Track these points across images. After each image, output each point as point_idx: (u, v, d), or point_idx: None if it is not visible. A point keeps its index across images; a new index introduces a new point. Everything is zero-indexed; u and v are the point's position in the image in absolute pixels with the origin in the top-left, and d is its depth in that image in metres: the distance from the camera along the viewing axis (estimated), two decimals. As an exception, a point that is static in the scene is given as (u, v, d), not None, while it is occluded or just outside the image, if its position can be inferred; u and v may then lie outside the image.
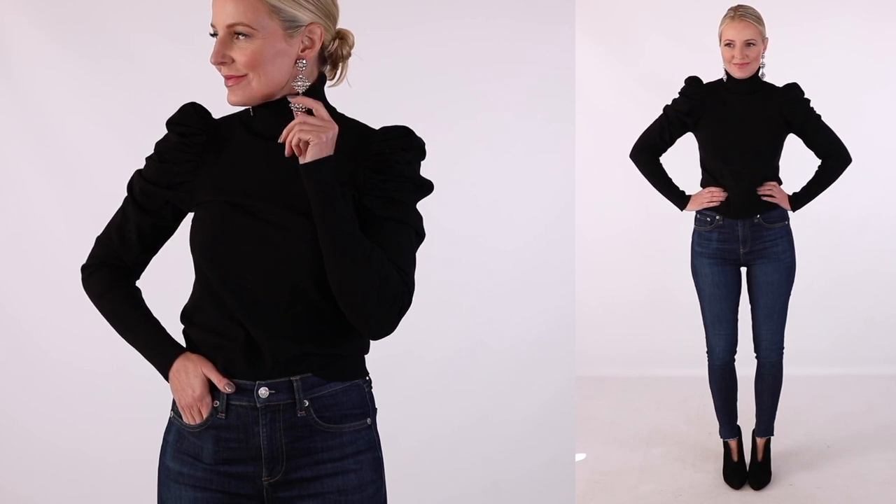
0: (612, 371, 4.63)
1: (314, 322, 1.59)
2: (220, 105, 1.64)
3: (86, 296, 1.75)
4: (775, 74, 3.12)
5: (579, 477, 3.41)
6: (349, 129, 1.63)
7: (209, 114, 1.66)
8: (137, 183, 1.68)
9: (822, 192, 3.22)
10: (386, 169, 1.60)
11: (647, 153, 3.27)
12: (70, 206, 3.34)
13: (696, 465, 3.49)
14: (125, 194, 1.71)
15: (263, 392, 1.59)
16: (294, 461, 1.61)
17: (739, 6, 3.04)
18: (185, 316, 1.67)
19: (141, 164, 1.70)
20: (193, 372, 1.60)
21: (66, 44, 3.29)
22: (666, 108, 3.23)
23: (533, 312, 3.53)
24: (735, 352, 3.26)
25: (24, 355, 3.39)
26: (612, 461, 3.59)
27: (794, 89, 3.10)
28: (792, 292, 3.21)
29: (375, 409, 1.70)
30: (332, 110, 1.65)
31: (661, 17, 4.59)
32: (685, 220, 3.38)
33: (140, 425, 3.27)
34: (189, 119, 1.64)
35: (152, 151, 1.67)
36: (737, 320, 3.25)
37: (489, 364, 3.54)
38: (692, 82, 3.18)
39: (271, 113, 1.61)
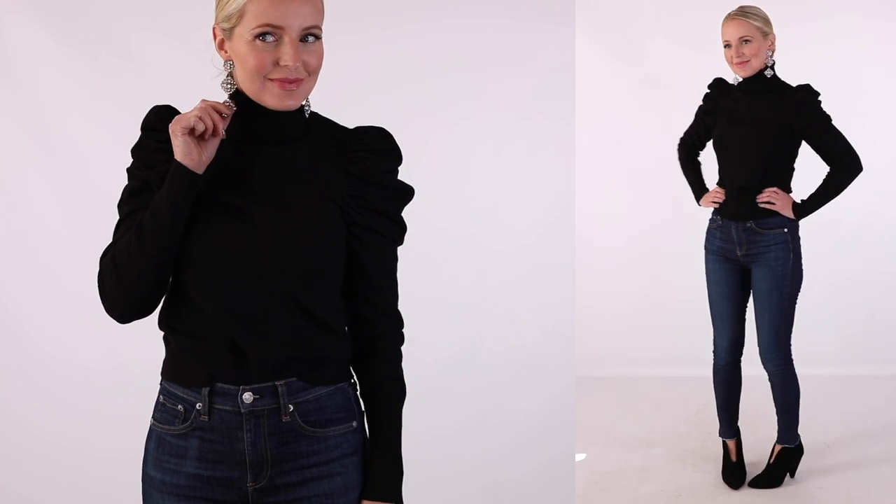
0: (612, 371, 4.63)
1: (300, 325, 1.55)
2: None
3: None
4: (778, 73, 3.11)
5: (579, 477, 3.41)
6: (324, 129, 1.62)
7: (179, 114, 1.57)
8: (131, 202, 1.57)
9: (828, 201, 3.15)
10: (367, 176, 1.59)
11: (684, 149, 3.36)
12: (69, 205, 3.34)
13: (696, 465, 3.49)
14: (116, 219, 1.60)
15: (247, 397, 1.54)
16: (279, 466, 1.57)
17: (739, 7, 3.05)
18: (164, 321, 1.60)
19: None
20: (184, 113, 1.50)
21: (66, 43, 3.29)
22: (698, 107, 3.32)
23: (533, 313, 3.53)
24: (739, 353, 3.26)
25: (24, 353, 3.39)
26: (612, 461, 3.58)
27: (799, 91, 3.07)
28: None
29: (362, 411, 1.65)
30: (309, 113, 1.62)
31: (662, 17, 4.59)
32: (685, 220, 3.38)
33: (140, 424, 3.27)
34: (164, 124, 1.54)
35: (131, 165, 1.59)
36: (742, 321, 3.24)
37: (489, 364, 3.54)
38: (713, 82, 3.22)
39: (280, 118, 1.57)
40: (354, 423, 1.63)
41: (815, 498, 3.21)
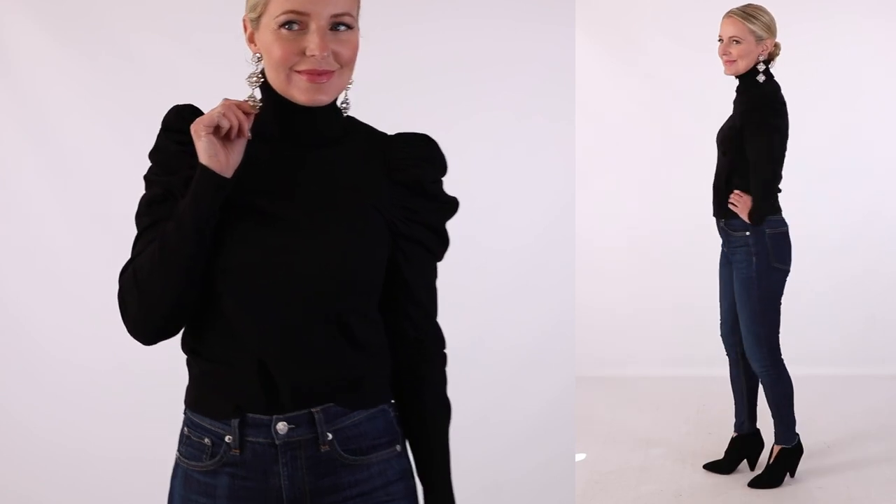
0: (612, 371, 4.63)
1: (337, 344, 1.42)
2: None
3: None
4: (777, 73, 3.11)
5: (579, 477, 3.41)
6: (364, 135, 1.51)
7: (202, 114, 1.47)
8: (150, 212, 1.43)
9: (764, 208, 3.04)
10: (414, 185, 1.48)
11: None
12: (69, 205, 3.34)
13: (696, 465, 3.49)
14: (134, 231, 1.46)
15: (282, 427, 1.41)
16: (318, 500, 1.43)
17: (744, 5, 3.07)
18: (186, 344, 1.47)
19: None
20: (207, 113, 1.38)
21: (66, 43, 3.29)
22: None
23: (533, 313, 3.52)
24: (735, 345, 3.30)
25: (23, 353, 3.39)
26: (612, 461, 3.58)
27: (749, 90, 3.06)
28: (783, 298, 3.16)
29: (403, 434, 1.54)
30: (347, 118, 1.52)
31: (662, 17, 4.59)
32: (685, 220, 3.38)
33: (140, 424, 3.27)
34: (186, 124, 1.40)
35: (149, 172, 1.46)
36: (736, 317, 3.26)
37: (489, 364, 3.53)
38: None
39: (314, 117, 1.44)
40: (398, 448, 1.51)
41: (815, 498, 3.21)
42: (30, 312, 3.38)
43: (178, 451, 1.49)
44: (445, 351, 1.56)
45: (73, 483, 3.34)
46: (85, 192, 3.31)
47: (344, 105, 1.49)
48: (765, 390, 3.25)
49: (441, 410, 1.55)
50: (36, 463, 3.36)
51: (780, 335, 3.19)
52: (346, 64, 1.41)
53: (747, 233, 3.09)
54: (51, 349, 3.39)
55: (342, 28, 1.40)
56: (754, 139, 3.01)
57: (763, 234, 3.08)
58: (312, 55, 1.37)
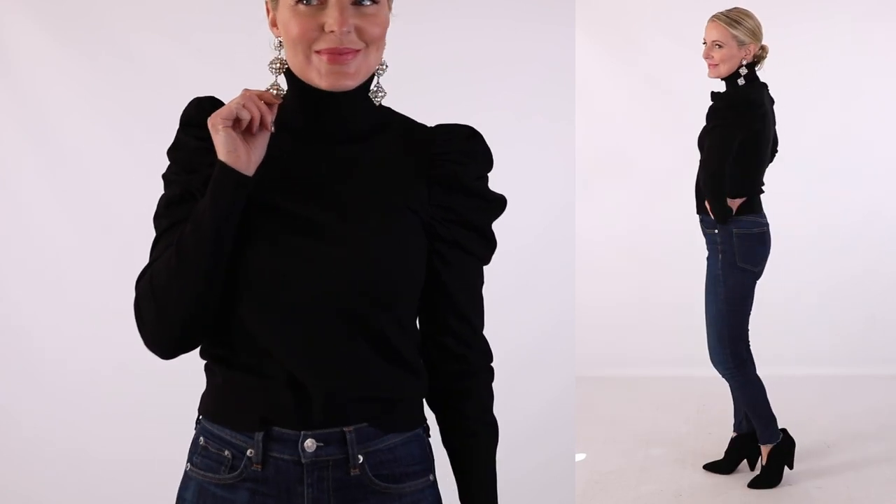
0: (612, 371, 4.63)
1: (372, 359, 1.31)
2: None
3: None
4: (772, 74, 3.12)
5: (579, 477, 3.41)
6: (400, 126, 1.41)
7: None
8: (170, 214, 1.33)
9: (713, 211, 3.06)
10: (454, 183, 1.37)
11: None
12: (69, 205, 3.34)
13: (696, 465, 3.49)
14: (151, 234, 1.37)
15: (310, 445, 1.31)
16: None
17: (729, 9, 3.08)
18: (206, 350, 1.36)
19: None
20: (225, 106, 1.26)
21: (66, 43, 3.29)
22: None
23: (533, 313, 3.52)
24: None
25: (24, 355, 3.38)
26: (612, 461, 3.59)
27: (715, 96, 3.09)
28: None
29: (434, 460, 1.43)
30: (382, 108, 1.41)
31: (662, 17, 4.60)
32: (684, 221, 3.38)
33: (141, 424, 3.27)
34: (207, 118, 1.28)
35: (168, 170, 1.35)
36: None
37: (489, 364, 3.53)
38: None
39: (339, 105, 1.33)
40: (431, 477, 1.41)
41: (815, 498, 3.21)
42: (30, 313, 3.38)
43: (191, 461, 1.38)
44: (492, 365, 1.44)
45: (74, 484, 3.34)
46: (85, 192, 3.31)
47: (376, 93, 1.38)
48: (735, 394, 3.25)
49: (487, 430, 1.43)
50: (36, 463, 3.36)
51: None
52: (371, 42, 1.28)
53: (716, 230, 3.12)
54: (50, 350, 3.39)
55: (367, 2, 1.27)
56: (708, 137, 3.08)
57: (730, 234, 3.09)
58: (332, 31, 1.25)
